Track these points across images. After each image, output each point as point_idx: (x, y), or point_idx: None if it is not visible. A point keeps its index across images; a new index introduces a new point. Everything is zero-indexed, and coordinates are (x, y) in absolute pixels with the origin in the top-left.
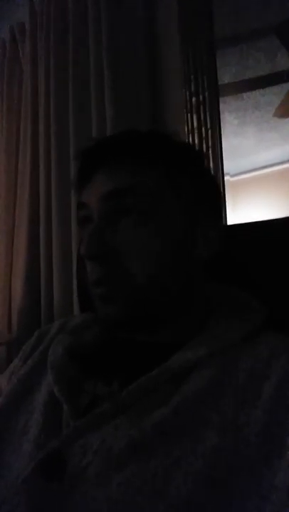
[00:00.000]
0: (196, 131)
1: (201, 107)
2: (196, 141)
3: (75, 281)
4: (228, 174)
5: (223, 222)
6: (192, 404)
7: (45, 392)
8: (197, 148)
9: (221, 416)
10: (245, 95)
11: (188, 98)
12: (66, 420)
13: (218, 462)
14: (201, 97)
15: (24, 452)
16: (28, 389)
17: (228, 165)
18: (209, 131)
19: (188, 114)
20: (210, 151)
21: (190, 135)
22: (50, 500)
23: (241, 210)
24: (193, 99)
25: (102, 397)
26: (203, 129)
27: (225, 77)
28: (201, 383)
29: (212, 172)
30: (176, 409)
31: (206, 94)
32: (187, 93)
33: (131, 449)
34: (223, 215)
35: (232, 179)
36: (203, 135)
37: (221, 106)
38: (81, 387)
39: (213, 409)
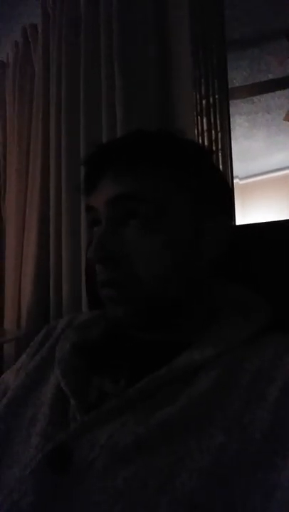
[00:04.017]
0: (205, 133)
1: (211, 110)
2: (206, 143)
3: (83, 279)
4: (237, 177)
5: (233, 223)
6: (198, 404)
7: (52, 386)
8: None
9: (226, 415)
10: (255, 98)
11: (198, 101)
12: (73, 414)
13: (223, 460)
14: (211, 100)
15: (32, 444)
16: (36, 383)
17: (237, 168)
18: (219, 134)
19: (199, 117)
20: (219, 154)
21: (200, 137)
22: (57, 491)
23: (250, 213)
24: (204, 101)
25: (109, 394)
26: (213, 131)
27: (236, 80)
28: (208, 384)
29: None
30: (183, 408)
31: (217, 96)
32: (197, 96)
33: (137, 445)
34: (233, 214)
35: (241, 182)
36: (213, 138)
37: (232, 109)
38: (88, 383)
39: (219, 409)
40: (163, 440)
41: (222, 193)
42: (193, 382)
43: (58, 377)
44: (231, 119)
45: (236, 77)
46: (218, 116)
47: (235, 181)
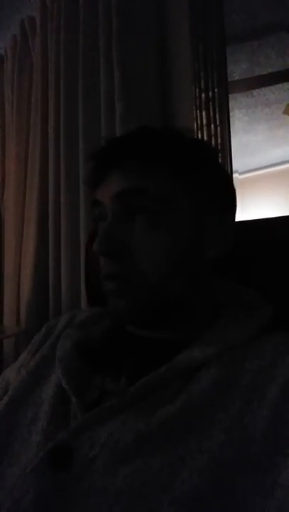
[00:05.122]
0: (205, 127)
1: (211, 104)
2: (205, 137)
3: (82, 276)
4: (236, 172)
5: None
6: (198, 403)
7: (53, 385)
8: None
9: (226, 414)
10: (255, 92)
11: (197, 94)
12: (74, 413)
13: (224, 459)
14: (210, 94)
15: (33, 442)
16: (37, 381)
17: (236, 162)
18: (218, 128)
19: (198, 111)
20: (219, 148)
21: (199, 132)
22: (58, 489)
23: (249, 208)
24: (203, 95)
25: (110, 392)
26: (212, 125)
27: (235, 74)
28: (208, 382)
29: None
30: (183, 407)
31: (216, 90)
32: (197, 89)
33: (138, 443)
34: (236, 212)
35: (240, 177)
36: (212, 132)
37: (231, 103)
38: (89, 382)
39: (219, 408)
40: (164, 439)
41: (226, 192)
42: (193, 381)
43: (59, 375)
44: (231, 113)
45: (236, 71)
46: (217, 110)
47: (234, 176)
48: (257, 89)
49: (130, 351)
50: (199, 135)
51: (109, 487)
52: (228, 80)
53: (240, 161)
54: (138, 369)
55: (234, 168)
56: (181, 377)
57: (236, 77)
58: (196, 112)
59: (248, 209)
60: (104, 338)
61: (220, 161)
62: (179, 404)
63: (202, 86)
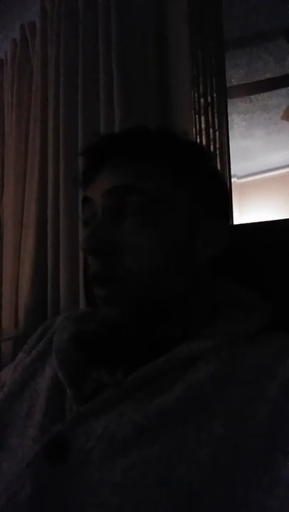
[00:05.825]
0: (203, 132)
1: (209, 109)
2: (204, 142)
3: (81, 279)
4: (235, 176)
5: (230, 223)
6: (196, 394)
7: (49, 379)
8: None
9: (226, 409)
10: (253, 97)
11: (196, 99)
12: (69, 406)
13: (222, 453)
14: (209, 99)
15: (28, 436)
16: (32, 376)
17: (235, 167)
18: (217, 133)
19: (197, 116)
20: (217, 153)
21: (198, 136)
22: (55, 483)
23: (248, 212)
24: (202, 100)
25: (106, 385)
26: (211, 130)
27: (233, 79)
28: (206, 374)
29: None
30: (180, 396)
31: (215, 95)
32: (195, 94)
33: (135, 434)
34: (230, 214)
35: (239, 181)
36: (211, 136)
37: (229, 108)
38: (86, 374)
39: (218, 402)
40: (161, 429)
41: (220, 194)
42: (191, 371)
43: (55, 367)
44: (229, 118)
45: (234, 76)
46: (216, 115)
47: (233, 180)
48: (255, 95)
49: (127, 345)
50: (198, 140)
51: (106, 479)
52: (227, 85)
53: (238, 165)
54: (135, 362)
55: (233, 172)
56: (178, 368)
57: (234, 83)
58: (195, 117)
59: (247, 213)
60: (101, 331)
61: (218, 165)
62: (176, 394)
63: (201, 91)
